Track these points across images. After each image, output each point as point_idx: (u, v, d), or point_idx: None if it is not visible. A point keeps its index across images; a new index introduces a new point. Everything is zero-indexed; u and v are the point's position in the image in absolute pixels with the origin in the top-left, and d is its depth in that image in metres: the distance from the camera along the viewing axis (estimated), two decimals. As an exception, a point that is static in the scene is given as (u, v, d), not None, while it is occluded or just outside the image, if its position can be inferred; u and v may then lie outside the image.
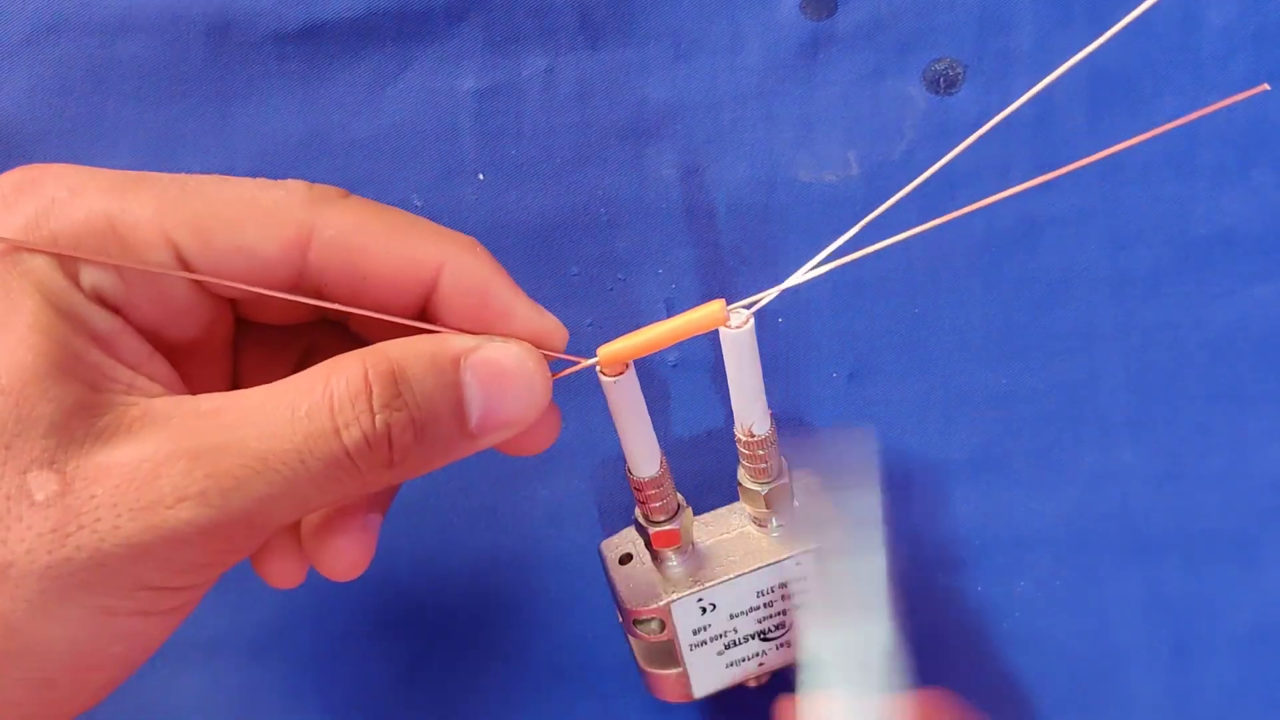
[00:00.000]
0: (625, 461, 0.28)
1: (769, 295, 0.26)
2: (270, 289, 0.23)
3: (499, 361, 0.23)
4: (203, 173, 0.36)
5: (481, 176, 0.36)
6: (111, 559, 0.20)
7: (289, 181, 0.24)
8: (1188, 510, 0.35)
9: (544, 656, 0.35)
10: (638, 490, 0.28)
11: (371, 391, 0.22)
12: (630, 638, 0.31)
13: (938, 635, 0.35)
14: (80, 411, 0.20)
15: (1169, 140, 0.36)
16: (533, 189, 0.36)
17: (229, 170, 0.36)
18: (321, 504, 0.22)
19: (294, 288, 0.24)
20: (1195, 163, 0.36)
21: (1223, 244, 0.36)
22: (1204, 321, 0.36)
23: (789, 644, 0.31)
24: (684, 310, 0.25)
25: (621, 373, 0.25)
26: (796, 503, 0.30)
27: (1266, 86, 0.24)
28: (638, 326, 0.36)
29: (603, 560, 0.31)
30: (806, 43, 0.36)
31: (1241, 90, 0.36)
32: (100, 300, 0.22)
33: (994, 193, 0.36)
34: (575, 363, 0.26)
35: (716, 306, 0.25)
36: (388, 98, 0.35)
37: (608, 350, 0.25)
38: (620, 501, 0.35)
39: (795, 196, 0.36)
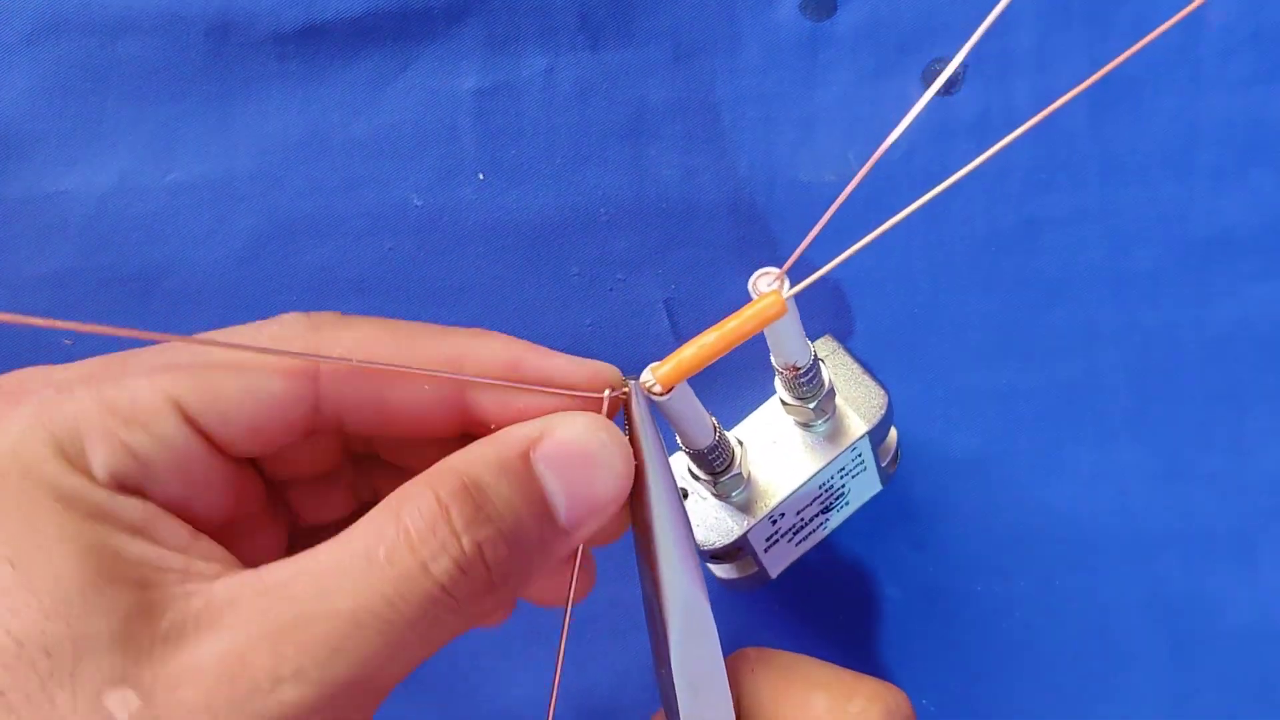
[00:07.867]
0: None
1: (813, 278, 0.24)
2: (290, 433, 0.21)
3: (570, 442, 0.21)
4: (202, 171, 0.36)
5: (481, 176, 0.36)
6: None
7: (283, 316, 0.22)
8: (1187, 510, 0.35)
9: (544, 658, 0.35)
10: (697, 457, 0.28)
11: (449, 514, 0.20)
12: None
13: (938, 635, 0.35)
14: (139, 616, 0.18)
15: (1167, 141, 0.36)
16: (533, 189, 0.36)
17: (229, 169, 0.36)
18: (428, 649, 0.20)
19: (314, 428, 0.22)
20: (1194, 163, 0.36)
21: (1223, 244, 0.36)
22: (1204, 321, 0.36)
23: (849, 504, 0.32)
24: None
25: (674, 389, 0.23)
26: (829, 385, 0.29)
27: None
28: (639, 327, 0.36)
29: None
30: (806, 43, 0.36)
31: (1241, 88, 0.36)
32: (121, 487, 0.20)
33: (994, 192, 0.37)
34: (624, 393, 0.23)
35: (774, 298, 0.23)
36: (388, 98, 0.35)
37: (662, 371, 0.23)
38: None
39: (795, 196, 0.36)
